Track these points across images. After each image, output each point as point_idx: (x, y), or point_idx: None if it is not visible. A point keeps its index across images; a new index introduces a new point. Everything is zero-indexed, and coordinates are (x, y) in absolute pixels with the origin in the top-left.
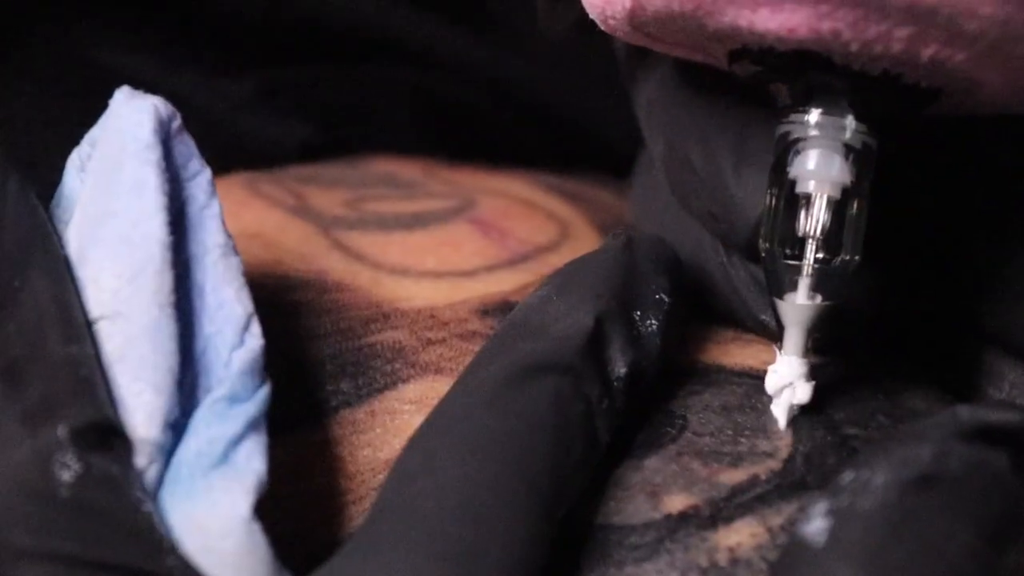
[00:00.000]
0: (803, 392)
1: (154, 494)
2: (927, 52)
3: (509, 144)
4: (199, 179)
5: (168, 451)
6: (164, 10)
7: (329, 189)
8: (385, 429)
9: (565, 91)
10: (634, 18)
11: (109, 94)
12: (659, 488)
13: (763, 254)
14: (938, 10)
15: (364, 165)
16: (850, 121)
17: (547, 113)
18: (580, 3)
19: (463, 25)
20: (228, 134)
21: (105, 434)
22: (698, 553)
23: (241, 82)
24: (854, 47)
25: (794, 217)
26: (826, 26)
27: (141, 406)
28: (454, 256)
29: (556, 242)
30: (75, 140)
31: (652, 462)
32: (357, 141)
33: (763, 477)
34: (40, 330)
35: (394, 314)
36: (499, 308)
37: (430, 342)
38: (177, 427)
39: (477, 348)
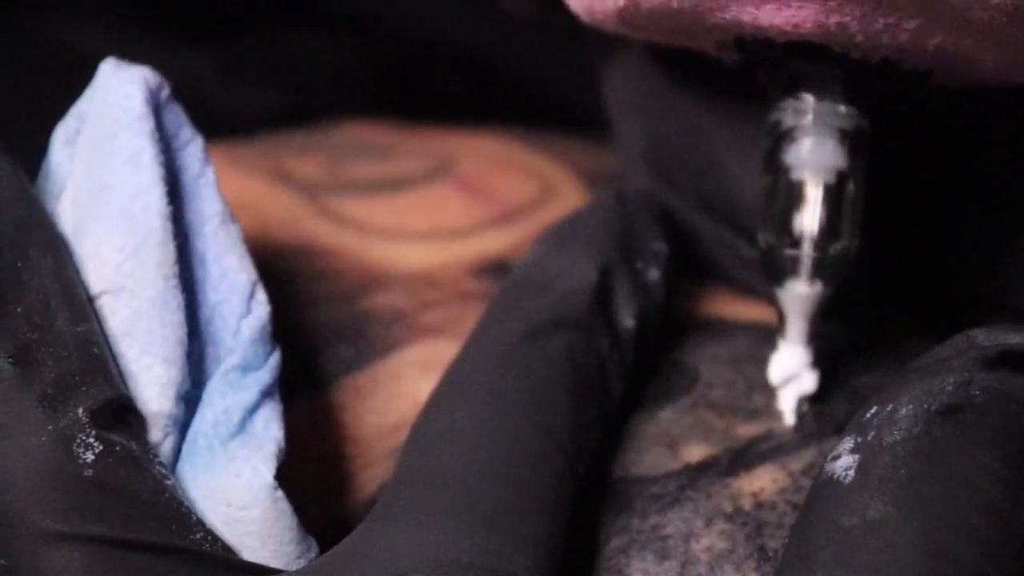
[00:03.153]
0: (809, 382)
1: (171, 468)
2: (933, 41)
3: (466, 107)
4: (191, 147)
5: (182, 423)
6: None
7: (305, 155)
8: (389, 394)
9: (522, 54)
10: (626, 13)
11: (66, 71)
12: (677, 439)
13: (761, 244)
14: (949, 1)
15: (333, 131)
16: (843, 106)
17: (502, 75)
18: None
19: None
20: (194, 106)
21: (122, 411)
22: (721, 499)
23: (201, 53)
24: (859, 39)
25: (790, 205)
26: (833, 20)
27: (153, 380)
28: (442, 217)
29: (541, 198)
30: (38, 117)
31: (667, 414)
32: (321, 107)
33: (778, 431)
34: (48, 311)
35: (388, 277)
36: (493, 267)
37: (427, 304)
38: (188, 399)
39: (475, 309)
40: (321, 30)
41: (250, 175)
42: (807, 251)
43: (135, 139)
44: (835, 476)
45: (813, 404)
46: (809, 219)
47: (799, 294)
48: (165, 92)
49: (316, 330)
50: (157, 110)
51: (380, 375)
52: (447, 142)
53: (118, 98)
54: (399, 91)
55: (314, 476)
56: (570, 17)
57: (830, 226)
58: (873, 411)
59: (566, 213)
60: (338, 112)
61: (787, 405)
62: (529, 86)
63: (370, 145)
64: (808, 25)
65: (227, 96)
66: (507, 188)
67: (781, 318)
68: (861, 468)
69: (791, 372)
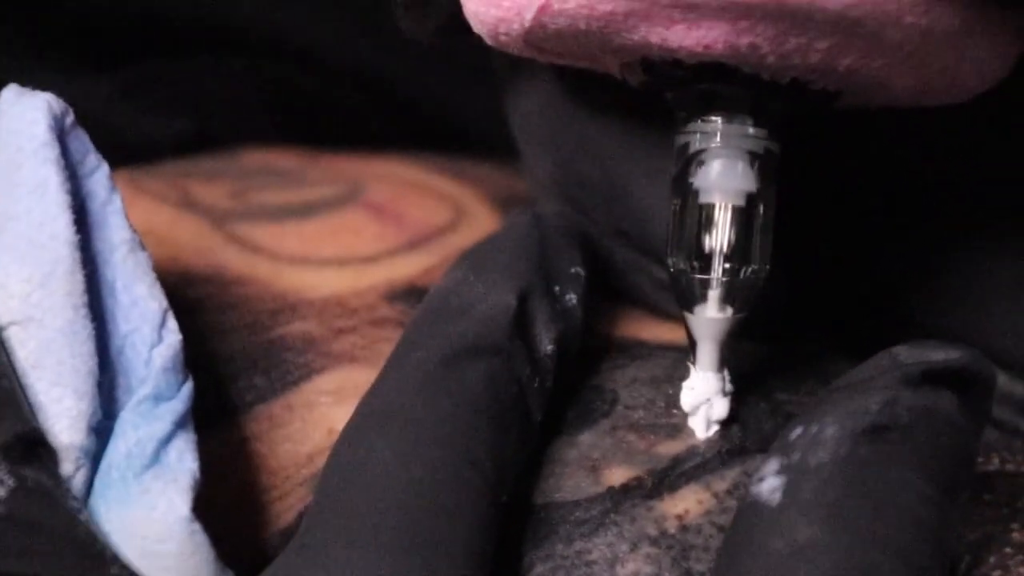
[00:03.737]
0: (720, 408)
1: (84, 501)
2: (844, 62)
3: (370, 132)
4: (97, 175)
5: (93, 455)
6: (10, 11)
7: (210, 182)
8: (304, 422)
9: (426, 78)
10: (531, 35)
11: None
12: (598, 462)
13: (670, 268)
14: (863, 22)
15: (237, 157)
16: (752, 128)
17: (407, 100)
18: (444, 8)
19: (318, 13)
20: (98, 132)
21: (32, 445)
22: (646, 523)
23: (103, 79)
24: (770, 60)
25: (700, 229)
26: (744, 41)
27: (63, 412)
28: (353, 242)
29: (453, 222)
30: None
31: (587, 437)
32: (224, 134)
33: (702, 447)
34: None
35: (300, 305)
36: (407, 293)
37: (341, 331)
38: (100, 430)
39: (389, 335)
40: (223, 56)
41: (155, 203)
42: (717, 275)
43: (40, 167)
44: (761, 499)
45: (736, 420)
46: (719, 243)
47: (709, 319)
48: (69, 119)
49: (228, 359)
50: (62, 137)
51: (294, 403)
52: (355, 167)
53: (22, 125)
54: (302, 117)
55: (229, 507)
56: (475, 41)
57: (740, 250)
58: (798, 432)
59: (479, 237)
60: (241, 138)
61: (699, 427)
62: (434, 110)
63: (276, 171)
64: (719, 46)
65: (128, 123)
66: (418, 212)
67: (692, 344)
68: (788, 490)
69: (702, 398)
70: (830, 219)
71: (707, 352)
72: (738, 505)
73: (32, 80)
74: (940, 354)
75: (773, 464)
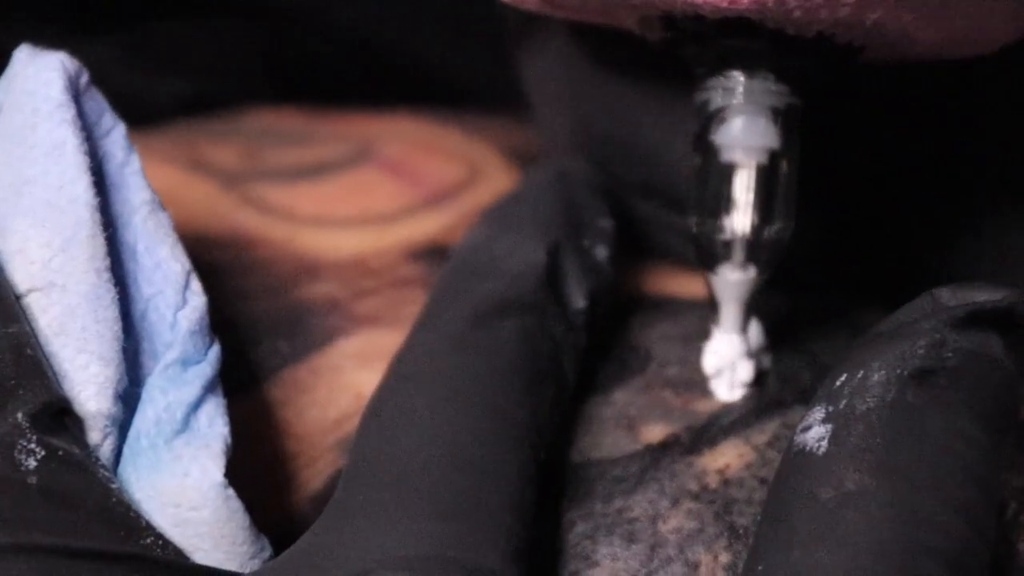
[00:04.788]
0: (744, 371)
1: (113, 470)
2: (873, 16)
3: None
4: (114, 134)
5: (121, 423)
6: None
7: (218, 143)
8: (330, 387)
9: (426, 34)
10: None
11: None
12: (634, 420)
13: (693, 228)
14: None
15: (242, 118)
16: (774, 83)
17: (407, 58)
18: None
19: None
20: (103, 94)
21: (60, 414)
22: (687, 478)
23: (105, 41)
24: (797, 14)
25: (721, 187)
26: None
27: (90, 379)
28: (370, 201)
29: (469, 178)
30: None
31: (622, 395)
32: (228, 95)
33: (739, 402)
34: None
35: (320, 267)
36: (429, 252)
37: (363, 292)
38: (125, 397)
39: (413, 295)
40: (227, 17)
41: (165, 164)
42: (740, 235)
43: (57, 128)
44: (807, 447)
45: (776, 366)
46: (741, 201)
47: (732, 280)
48: (84, 78)
49: (250, 324)
50: (77, 97)
51: (319, 367)
52: (363, 126)
53: (36, 86)
54: (303, 77)
55: (257, 474)
56: None
57: (763, 208)
58: (843, 378)
59: (497, 194)
60: (246, 99)
61: (723, 391)
62: (436, 67)
63: (285, 132)
64: (746, 1)
65: (134, 84)
66: (434, 170)
67: (714, 305)
68: (835, 438)
69: (726, 361)
70: (857, 170)
71: (730, 313)
72: (782, 455)
73: (39, 41)
74: (984, 295)
75: (818, 412)
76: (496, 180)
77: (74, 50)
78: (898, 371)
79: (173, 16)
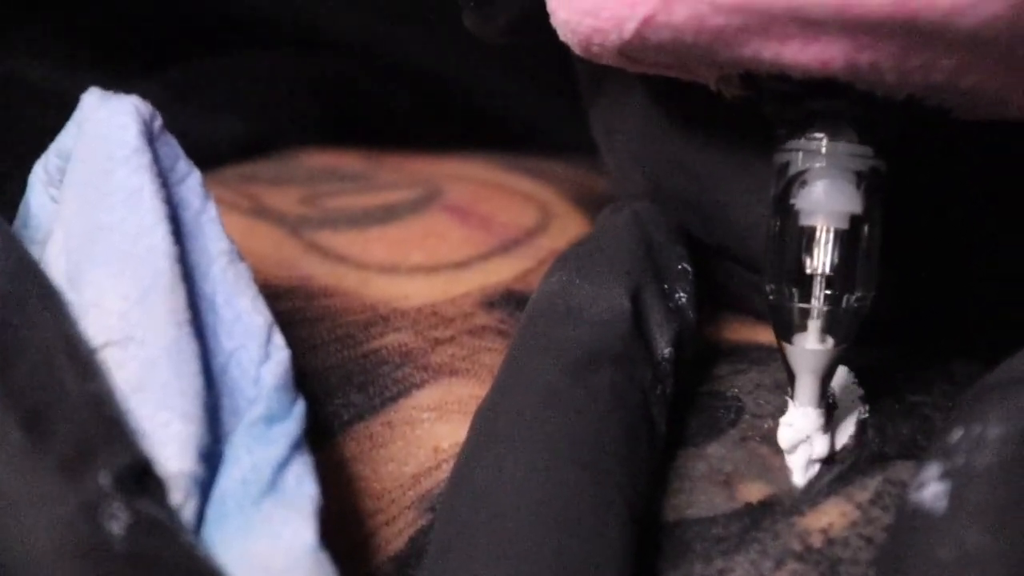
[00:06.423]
0: (821, 446)
1: (195, 531)
2: (969, 80)
3: (430, 134)
4: (189, 181)
5: (203, 483)
6: (53, 13)
7: (278, 187)
8: (407, 441)
9: (487, 76)
10: (628, 47)
11: (11, 104)
12: (731, 477)
13: (769, 295)
14: (997, 40)
15: (299, 160)
16: (858, 145)
17: (466, 100)
18: (514, 7)
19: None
20: None
21: (143, 475)
22: (790, 539)
23: (153, 81)
24: (890, 77)
25: (800, 253)
26: (865, 58)
27: (171, 437)
28: (441, 247)
29: (542, 223)
30: None
31: (715, 449)
32: (279, 135)
33: (838, 456)
34: (53, 370)
35: (393, 315)
36: (504, 299)
37: (438, 342)
38: (207, 456)
39: (490, 344)
40: (274, 55)
41: (225, 210)
42: (818, 304)
43: (133, 174)
44: (924, 506)
45: (873, 418)
46: (821, 268)
47: (809, 351)
48: (158, 123)
49: (321, 375)
50: (151, 142)
51: (395, 420)
52: (426, 168)
53: (111, 131)
54: (359, 117)
55: (334, 534)
56: (541, 41)
57: (843, 276)
58: (960, 434)
59: (571, 238)
60: (295, 140)
61: (798, 469)
62: (497, 110)
63: (343, 174)
64: (837, 63)
65: (182, 126)
66: (504, 214)
67: (791, 376)
68: (953, 496)
69: (801, 435)
70: (939, 226)
71: (807, 385)
72: (897, 513)
73: (81, 86)
74: None
75: (934, 469)
76: (568, 224)
77: (120, 91)
78: (1017, 426)
79: (222, 52)
